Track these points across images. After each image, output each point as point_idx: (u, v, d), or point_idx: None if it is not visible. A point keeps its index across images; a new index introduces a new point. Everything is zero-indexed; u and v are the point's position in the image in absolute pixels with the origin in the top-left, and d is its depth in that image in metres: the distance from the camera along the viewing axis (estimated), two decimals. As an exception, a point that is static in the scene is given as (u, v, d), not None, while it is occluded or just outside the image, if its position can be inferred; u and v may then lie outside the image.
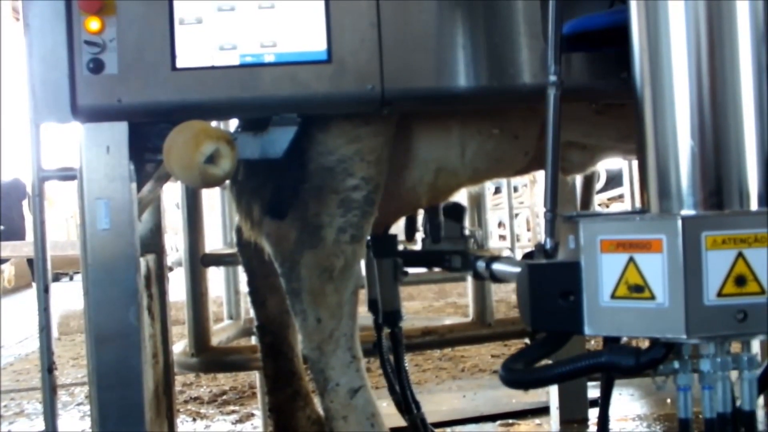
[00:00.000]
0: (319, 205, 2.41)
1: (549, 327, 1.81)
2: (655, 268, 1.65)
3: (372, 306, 2.91)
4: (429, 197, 2.66)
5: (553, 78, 1.90)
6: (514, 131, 2.60)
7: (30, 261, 11.32)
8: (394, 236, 2.86)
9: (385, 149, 2.43)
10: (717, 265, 1.63)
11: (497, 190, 9.89)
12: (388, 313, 2.87)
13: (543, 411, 3.95)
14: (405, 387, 2.90)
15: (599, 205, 9.09)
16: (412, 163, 2.56)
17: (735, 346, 1.74)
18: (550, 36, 1.92)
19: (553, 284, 1.75)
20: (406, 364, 2.96)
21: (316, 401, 2.78)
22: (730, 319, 1.63)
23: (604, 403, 2.05)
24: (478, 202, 3.78)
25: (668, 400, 4.06)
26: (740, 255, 1.64)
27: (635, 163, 4.88)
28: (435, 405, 4.21)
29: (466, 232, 2.84)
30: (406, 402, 2.89)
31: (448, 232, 2.82)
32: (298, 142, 2.30)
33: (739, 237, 1.64)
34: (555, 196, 1.91)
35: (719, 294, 1.63)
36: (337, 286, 2.43)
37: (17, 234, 12.32)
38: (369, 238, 2.82)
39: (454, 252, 2.76)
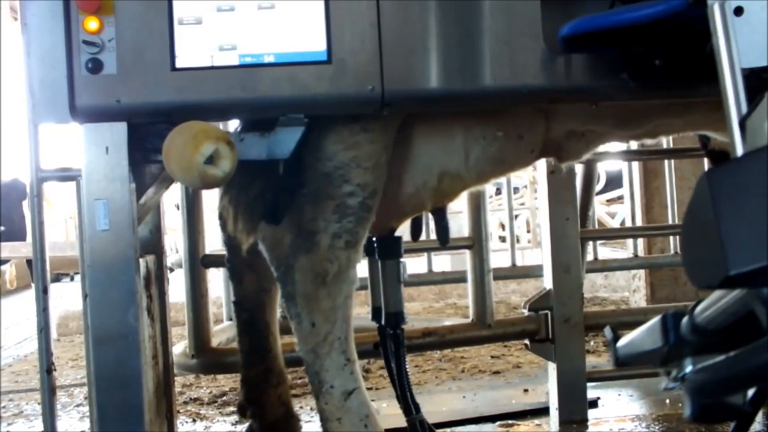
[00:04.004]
0: (315, 211, 2.41)
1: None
2: None
3: (376, 314, 2.90)
4: (433, 201, 2.66)
5: None
6: (519, 132, 2.59)
7: (29, 262, 11.31)
8: (399, 238, 2.85)
9: (383, 155, 2.42)
10: None
11: (497, 192, 9.92)
12: (391, 315, 2.86)
13: (542, 412, 3.93)
14: (405, 389, 2.90)
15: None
16: (414, 168, 2.56)
17: None
18: None
19: (757, 188, 1.12)
20: (407, 366, 2.95)
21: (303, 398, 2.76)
22: None
23: None
24: (478, 203, 3.77)
25: (667, 401, 4.05)
26: None
27: (635, 164, 4.90)
28: (435, 406, 4.20)
29: None
30: (405, 404, 2.89)
31: None
32: (298, 146, 2.30)
33: None
34: None
35: None
36: (330, 291, 2.45)
37: (17, 235, 12.29)
38: (375, 239, 2.82)
39: None
